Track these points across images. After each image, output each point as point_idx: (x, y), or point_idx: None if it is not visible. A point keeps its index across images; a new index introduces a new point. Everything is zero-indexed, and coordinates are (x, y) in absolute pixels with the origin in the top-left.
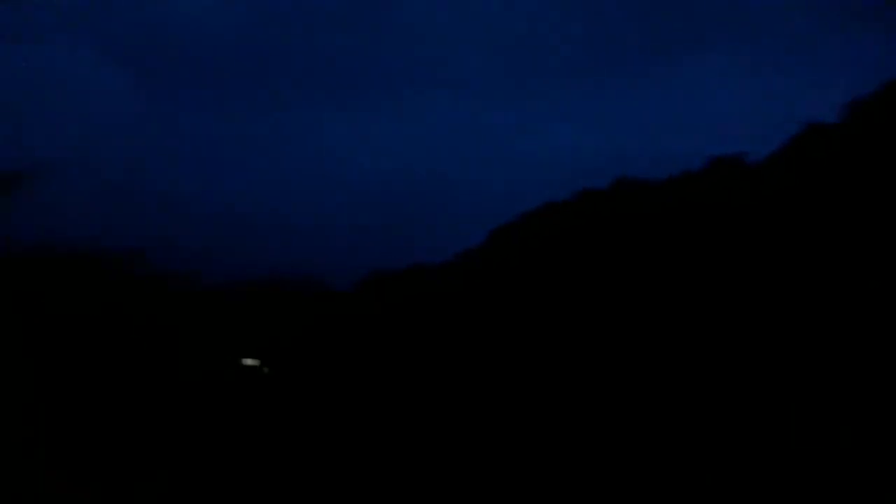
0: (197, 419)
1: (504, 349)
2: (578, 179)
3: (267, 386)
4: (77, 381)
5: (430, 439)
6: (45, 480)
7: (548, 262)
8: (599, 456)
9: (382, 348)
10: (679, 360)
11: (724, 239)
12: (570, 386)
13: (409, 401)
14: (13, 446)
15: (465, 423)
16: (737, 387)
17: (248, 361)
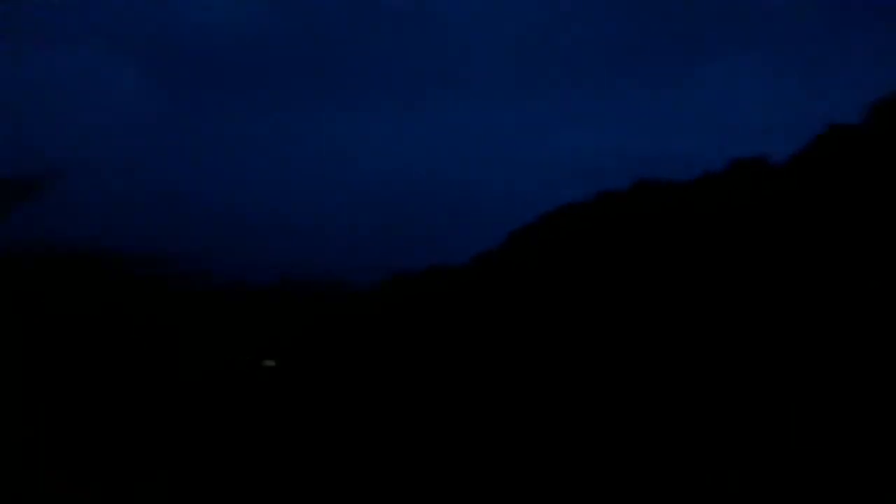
0: (200, 420)
1: (524, 351)
2: (598, 181)
3: (275, 385)
4: (79, 381)
5: (450, 440)
6: (45, 480)
7: (568, 265)
8: (615, 457)
9: (401, 350)
10: (701, 363)
11: (746, 240)
12: (592, 389)
13: (428, 402)
14: (13, 446)
15: (486, 423)
16: (760, 390)
17: (268, 363)
